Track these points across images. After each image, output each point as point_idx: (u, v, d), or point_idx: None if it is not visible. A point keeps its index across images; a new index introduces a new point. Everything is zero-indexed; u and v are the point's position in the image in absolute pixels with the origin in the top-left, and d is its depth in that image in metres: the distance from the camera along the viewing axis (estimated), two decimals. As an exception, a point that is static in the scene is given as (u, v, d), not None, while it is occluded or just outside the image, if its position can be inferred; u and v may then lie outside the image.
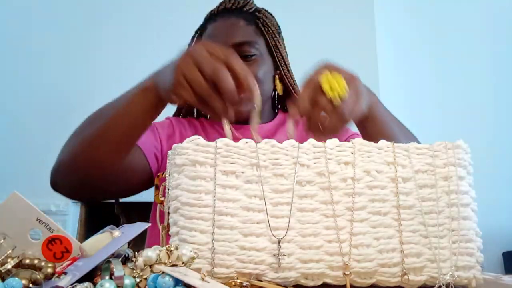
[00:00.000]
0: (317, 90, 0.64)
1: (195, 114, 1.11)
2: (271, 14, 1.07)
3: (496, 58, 2.16)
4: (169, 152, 0.56)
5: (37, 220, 0.49)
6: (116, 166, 0.82)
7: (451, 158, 0.57)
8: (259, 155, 0.53)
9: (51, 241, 0.48)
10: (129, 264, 0.42)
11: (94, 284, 0.37)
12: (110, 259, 0.40)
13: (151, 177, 0.96)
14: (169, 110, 1.08)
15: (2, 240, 0.48)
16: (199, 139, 0.53)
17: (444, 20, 2.19)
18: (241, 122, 1.03)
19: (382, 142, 0.57)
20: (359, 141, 0.57)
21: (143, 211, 1.05)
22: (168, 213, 0.53)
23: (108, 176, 0.82)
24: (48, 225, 0.50)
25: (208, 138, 1.01)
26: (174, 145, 0.54)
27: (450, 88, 2.14)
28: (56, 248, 0.48)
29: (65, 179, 0.83)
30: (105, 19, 1.82)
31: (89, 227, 1.05)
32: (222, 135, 1.02)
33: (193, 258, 0.42)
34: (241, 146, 0.54)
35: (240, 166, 0.53)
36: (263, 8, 1.06)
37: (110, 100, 0.81)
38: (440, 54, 2.16)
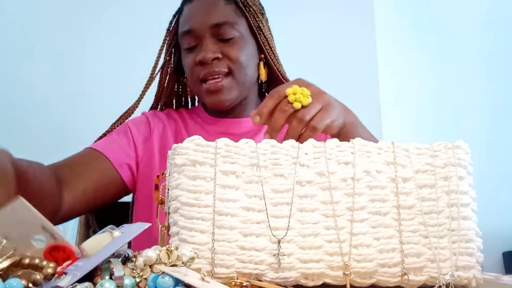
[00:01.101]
0: (281, 99, 0.67)
1: (174, 105, 1.05)
2: None
3: (496, 58, 2.16)
4: (169, 152, 0.56)
5: (41, 227, 0.49)
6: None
7: (451, 158, 0.57)
8: (259, 155, 0.53)
9: (54, 249, 0.48)
10: (129, 264, 0.42)
11: (94, 284, 0.37)
12: (110, 259, 0.40)
13: (125, 187, 0.93)
14: (145, 105, 1.04)
15: (4, 241, 0.48)
16: (199, 139, 0.53)
17: (444, 21, 2.19)
18: (220, 115, 0.98)
19: (382, 142, 0.57)
20: (359, 141, 0.57)
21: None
22: (168, 213, 0.53)
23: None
24: (52, 233, 0.49)
25: (188, 129, 0.99)
26: (174, 145, 0.54)
27: (450, 88, 2.14)
28: (59, 256, 0.48)
29: None
30: (97, 18, 1.82)
31: (89, 227, 1.05)
32: (202, 126, 0.99)
33: (193, 258, 0.42)
34: (241, 146, 0.54)
35: (240, 166, 0.53)
36: None
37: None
38: (440, 55, 2.16)
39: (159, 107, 1.04)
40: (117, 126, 0.98)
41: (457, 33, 2.17)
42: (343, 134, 0.75)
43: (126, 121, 0.99)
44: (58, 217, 0.80)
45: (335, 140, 0.56)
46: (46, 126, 1.75)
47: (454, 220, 0.54)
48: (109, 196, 0.92)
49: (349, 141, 0.60)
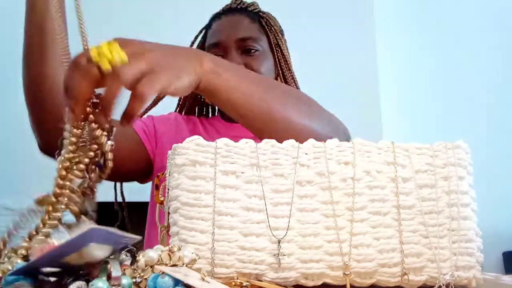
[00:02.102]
0: (87, 63, 0.51)
1: (196, 113, 1.13)
2: (275, 18, 1.10)
3: (496, 58, 2.16)
4: (169, 152, 0.56)
5: None
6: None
7: (451, 158, 0.57)
8: (259, 155, 0.53)
9: None
10: (127, 262, 0.42)
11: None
12: (108, 259, 0.40)
13: (146, 152, 0.97)
14: (171, 107, 1.10)
15: None
16: (199, 139, 0.53)
17: (445, 20, 2.18)
18: (235, 121, 1.04)
19: (382, 142, 0.57)
20: (359, 141, 0.57)
21: (143, 211, 1.04)
22: (168, 213, 0.53)
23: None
24: None
25: (206, 133, 1.04)
26: (174, 145, 0.54)
27: (450, 88, 2.14)
28: None
29: (41, 136, 0.80)
30: (107, 19, 1.82)
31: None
32: (218, 130, 1.05)
33: (194, 260, 0.42)
34: (241, 146, 0.54)
35: (240, 166, 0.53)
36: (267, 12, 1.10)
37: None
38: (440, 54, 2.16)
39: (182, 113, 1.12)
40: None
41: (458, 32, 2.17)
42: (205, 91, 0.63)
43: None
44: None
45: (335, 140, 0.56)
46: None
47: (454, 220, 0.54)
48: (131, 155, 0.95)
49: (219, 97, 0.60)
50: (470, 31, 2.17)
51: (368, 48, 1.92)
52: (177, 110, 1.13)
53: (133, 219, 1.03)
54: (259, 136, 0.70)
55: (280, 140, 0.55)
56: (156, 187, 0.59)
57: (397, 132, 1.96)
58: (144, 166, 0.98)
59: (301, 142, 0.55)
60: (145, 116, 1.05)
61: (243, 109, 0.65)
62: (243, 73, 0.69)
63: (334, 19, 1.94)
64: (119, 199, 1.02)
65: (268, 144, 0.54)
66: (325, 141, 0.56)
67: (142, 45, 0.56)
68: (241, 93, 0.65)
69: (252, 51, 1.00)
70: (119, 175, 0.97)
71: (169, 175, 0.54)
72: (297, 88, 1.07)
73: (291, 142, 0.55)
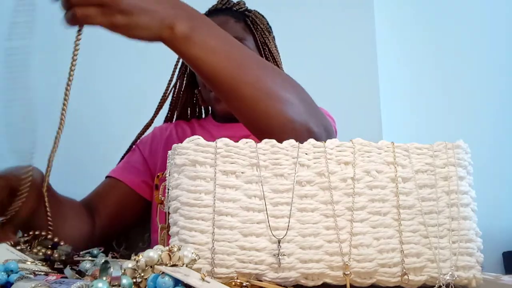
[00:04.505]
0: None
1: (189, 115, 1.12)
2: (262, 15, 1.08)
3: (497, 58, 2.16)
4: (169, 152, 0.56)
5: None
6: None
7: (451, 158, 0.57)
8: (259, 155, 0.53)
9: None
10: (131, 265, 0.42)
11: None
12: (108, 259, 0.40)
13: (149, 204, 0.99)
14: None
15: None
16: (199, 139, 0.53)
17: (445, 19, 2.18)
18: (227, 121, 1.04)
19: (382, 142, 0.57)
20: (359, 141, 0.57)
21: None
22: (168, 213, 0.53)
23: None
24: None
25: (194, 133, 1.04)
26: (174, 145, 0.54)
27: (450, 88, 2.13)
28: None
29: None
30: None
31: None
32: (209, 131, 1.05)
33: (194, 260, 0.42)
34: (241, 146, 0.54)
35: (240, 166, 0.53)
36: (254, 10, 1.08)
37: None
38: (441, 54, 2.16)
39: (174, 117, 1.11)
40: (134, 144, 1.05)
41: (458, 31, 2.17)
42: (173, 50, 0.62)
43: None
44: (95, 238, 0.88)
45: (335, 140, 0.56)
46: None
47: (454, 220, 0.55)
48: (138, 214, 0.99)
49: (187, 60, 0.61)
50: (472, 29, 2.16)
51: (368, 47, 1.92)
52: (168, 116, 1.11)
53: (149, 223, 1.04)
54: (229, 107, 0.70)
55: (245, 116, 0.56)
56: (156, 187, 0.59)
57: (397, 132, 1.96)
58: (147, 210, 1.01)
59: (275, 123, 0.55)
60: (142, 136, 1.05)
61: (212, 81, 0.66)
62: (221, 44, 0.66)
63: (334, 17, 1.93)
64: None
65: (268, 144, 0.54)
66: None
67: None
68: (211, 66, 0.64)
69: None
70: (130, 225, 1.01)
71: (169, 175, 0.54)
72: None
73: (291, 142, 0.55)
